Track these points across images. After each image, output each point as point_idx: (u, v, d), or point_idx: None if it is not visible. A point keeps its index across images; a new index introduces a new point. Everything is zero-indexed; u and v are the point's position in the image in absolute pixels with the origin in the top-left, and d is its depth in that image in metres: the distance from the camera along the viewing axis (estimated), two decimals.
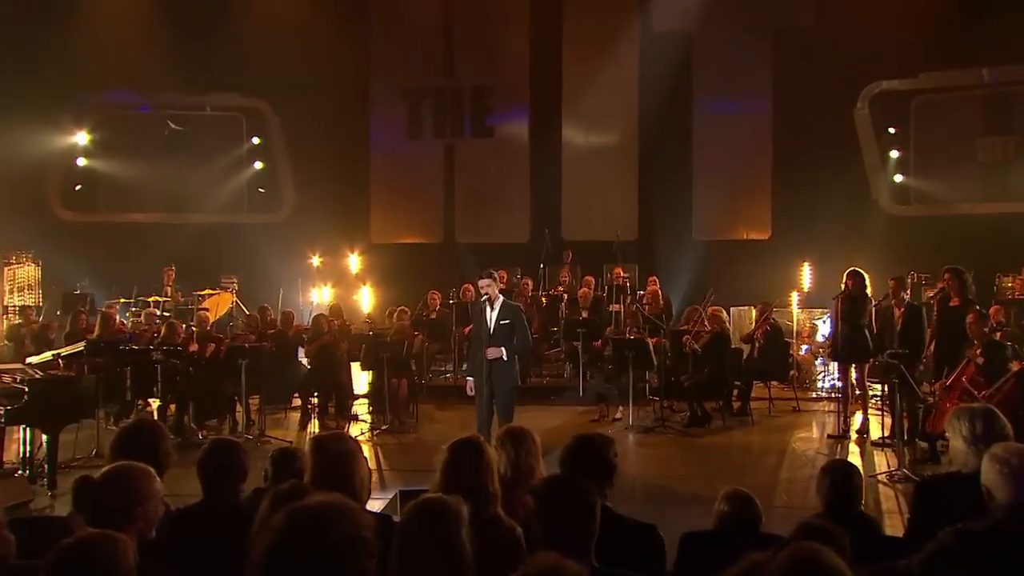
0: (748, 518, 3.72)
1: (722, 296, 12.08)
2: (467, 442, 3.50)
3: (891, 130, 15.14)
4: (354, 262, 14.81)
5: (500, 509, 3.37)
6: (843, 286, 8.95)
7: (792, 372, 11.27)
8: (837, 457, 7.77)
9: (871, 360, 8.78)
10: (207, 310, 11.74)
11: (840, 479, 3.78)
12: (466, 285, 12.95)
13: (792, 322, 12.09)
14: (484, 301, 7.66)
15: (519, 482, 3.71)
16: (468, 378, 7.83)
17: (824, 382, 11.72)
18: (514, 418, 7.55)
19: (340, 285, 14.70)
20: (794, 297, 12.53)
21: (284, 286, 13.87)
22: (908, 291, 9.51)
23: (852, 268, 9.04)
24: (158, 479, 3.01)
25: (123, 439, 3.46)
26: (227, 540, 3.25)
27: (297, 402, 10.48)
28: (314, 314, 11.37)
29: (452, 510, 2.59)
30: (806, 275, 13.82)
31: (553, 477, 3.15)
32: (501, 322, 7.55)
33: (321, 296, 14.56)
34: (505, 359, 7.47)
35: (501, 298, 7.75)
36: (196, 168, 16.31)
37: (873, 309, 8.98)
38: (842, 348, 9.03)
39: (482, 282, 7.75)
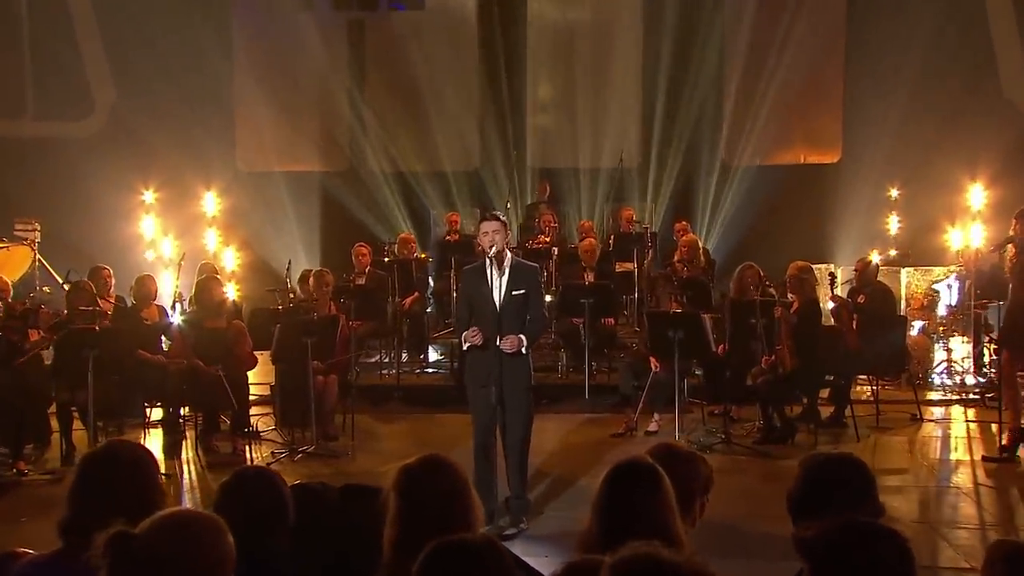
0: None
1: (770, 248, 12.10)
2: (635, 467, 3.53)
3: None
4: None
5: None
6: (1012, 232, 8.97)
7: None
8: None
9: None
10: None
11: None
12: (404, 236, 12.93)
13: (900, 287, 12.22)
14: (490, 258, 7.26)
15: None
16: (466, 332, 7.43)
17: (944, 377, 11.90)
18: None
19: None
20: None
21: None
22: None
23: None
24: None
25: (97, 471, 3.36)
26: None
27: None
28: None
29: None
30: (893, 218, 14.02)
31: None
32: (514, 292, 7.29)
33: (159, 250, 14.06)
34: (525, 351, 7.32)
35: (509, 255, 7.47)
36: None
37: None
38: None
39: (486, 226, 7.35)
